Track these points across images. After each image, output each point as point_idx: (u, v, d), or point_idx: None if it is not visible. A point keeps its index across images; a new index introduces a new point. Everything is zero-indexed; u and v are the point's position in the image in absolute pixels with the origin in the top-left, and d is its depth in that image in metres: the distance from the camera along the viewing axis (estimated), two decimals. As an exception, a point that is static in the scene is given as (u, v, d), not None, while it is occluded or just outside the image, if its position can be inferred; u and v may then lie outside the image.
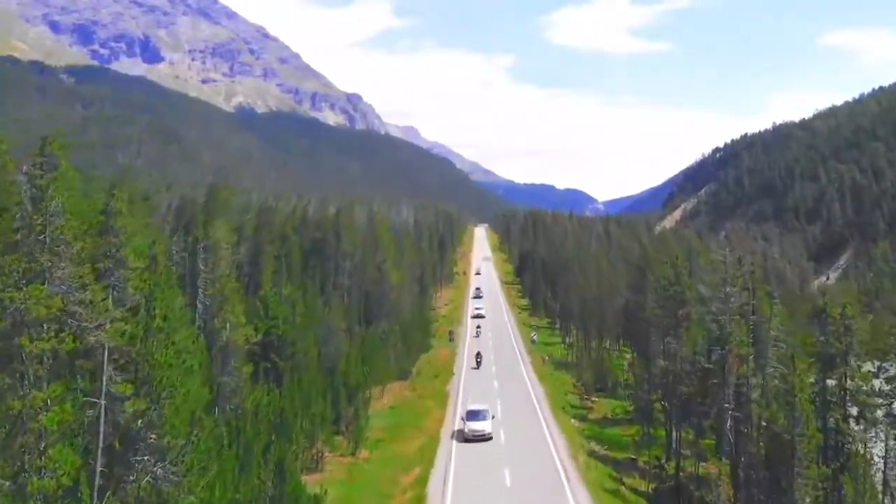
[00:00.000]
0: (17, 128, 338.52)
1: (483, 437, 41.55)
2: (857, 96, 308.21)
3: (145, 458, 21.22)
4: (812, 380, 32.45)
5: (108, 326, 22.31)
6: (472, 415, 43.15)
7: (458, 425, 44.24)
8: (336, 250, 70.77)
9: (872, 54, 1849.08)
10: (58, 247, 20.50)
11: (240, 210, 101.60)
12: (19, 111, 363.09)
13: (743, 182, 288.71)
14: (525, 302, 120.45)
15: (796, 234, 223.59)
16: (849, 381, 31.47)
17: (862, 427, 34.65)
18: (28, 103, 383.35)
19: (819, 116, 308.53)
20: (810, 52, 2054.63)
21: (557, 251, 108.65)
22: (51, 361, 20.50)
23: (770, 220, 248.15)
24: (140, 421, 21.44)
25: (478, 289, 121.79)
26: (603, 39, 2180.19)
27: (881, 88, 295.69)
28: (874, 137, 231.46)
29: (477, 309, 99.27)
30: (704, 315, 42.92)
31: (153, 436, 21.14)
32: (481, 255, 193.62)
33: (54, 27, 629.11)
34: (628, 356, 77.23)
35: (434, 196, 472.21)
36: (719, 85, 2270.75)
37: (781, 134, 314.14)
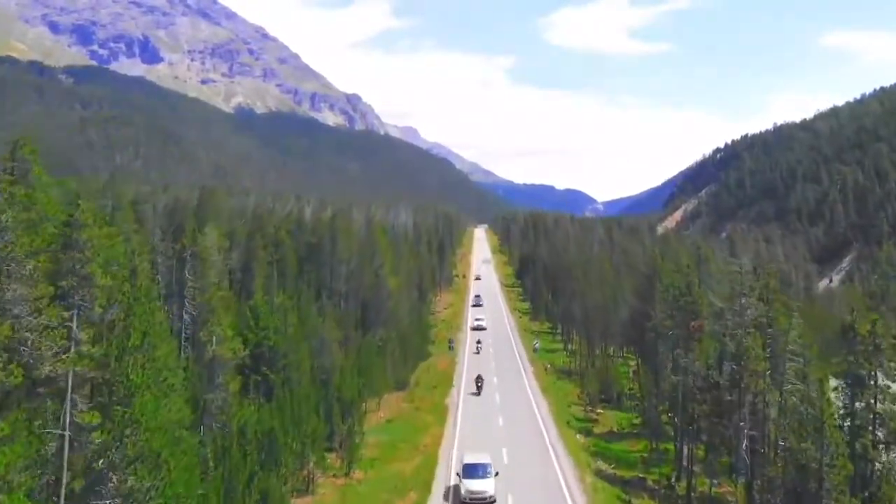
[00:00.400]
0: (14, 128, 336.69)
1: (484, 501, 33.20)
2: (858, 97, 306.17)
3: (107, 502, 18.89)
4: (839, 401, 30.15)
5: (69, 354, 20.05)
6: (471, 470, 34.30)
7: (452, 480, 35.88)
8: (332, 256, 68.44)
9: (872, 55, 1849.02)
10: (8, 266, 18.18)
11: (235, 213, 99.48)
12: (17, 112, 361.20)
13: (744, 183, 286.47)
14: (526, 306, 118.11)
15: (798, 236, 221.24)
16: (878, 405, 29.13)
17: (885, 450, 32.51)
18: (26, 104, 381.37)
19: (820, 117, 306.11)
20: (810, 52, 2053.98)
21: (559, 255, 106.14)
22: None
23: (772, 221, 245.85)
24: (102, 460, 19.10)
25: (477, 296, 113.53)
26: (602, 40, 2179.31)
27: (883, 89, 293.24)
28: (877, 138, 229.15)
29: (477, 320, 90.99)
30: (718, 328, 40.65)
31: (114, 478, 18.79)
32: (481, 257, 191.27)
33: (53, 27, 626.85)
34: (632, 363, 74.98)
35: (433, 196, 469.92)
36: (719, 86, 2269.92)
37: (783, 135, 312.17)
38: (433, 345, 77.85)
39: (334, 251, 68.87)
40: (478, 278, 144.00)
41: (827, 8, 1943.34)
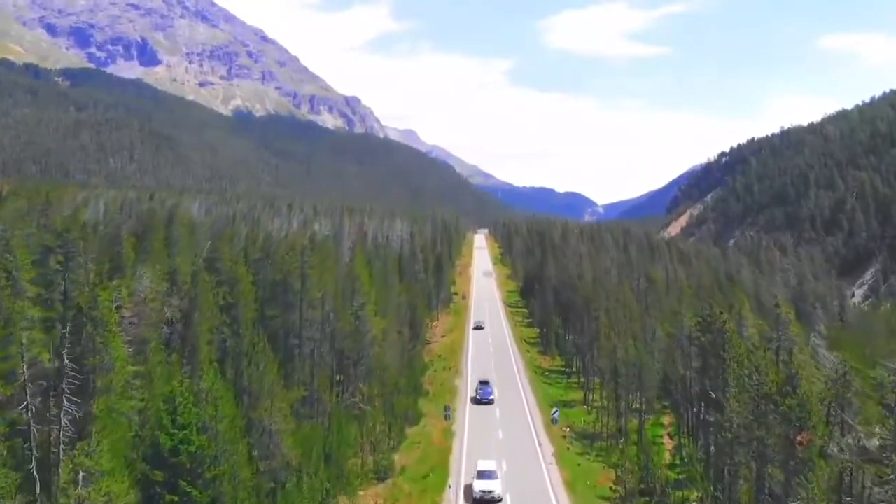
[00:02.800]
0: (6, 131, 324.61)
1: None
2: (867, 99, 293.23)
3: None
4: None
5: None
6: None
7: None
8: (301, 297, 54.56)
9: (870, 58, 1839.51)
10: None
11: (204, 232, 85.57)
12: (10, 114, 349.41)
13: (752, 188, 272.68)
14: (532, 333, 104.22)
15: (814, 246, 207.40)
16: None
17: None
18: (19, 106, 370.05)
19: (829, 120, 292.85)
20: (808, 55, 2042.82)
21: (570, 278, 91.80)
22: None
23: (782, 229, 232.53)
24: None
25: (485, 385, 63.75)
26: (601, 43, 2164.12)
27: (893, 91, 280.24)
28: (892, 143, 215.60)
29: (483, 482, 40.93)
30: (835, 448, 26.99)
31: None
32: (482, 269, 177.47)
33: (51, 30, 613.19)
34: (666, 421, 61.24)
35: (432, 200, 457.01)
36: (717, 88, 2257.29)
37: (791, 138, 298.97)
38: (426, 398, 63.97)
39: (304, 290, 54.99)
40: (479, 327, 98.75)
41: (824, 11, 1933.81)
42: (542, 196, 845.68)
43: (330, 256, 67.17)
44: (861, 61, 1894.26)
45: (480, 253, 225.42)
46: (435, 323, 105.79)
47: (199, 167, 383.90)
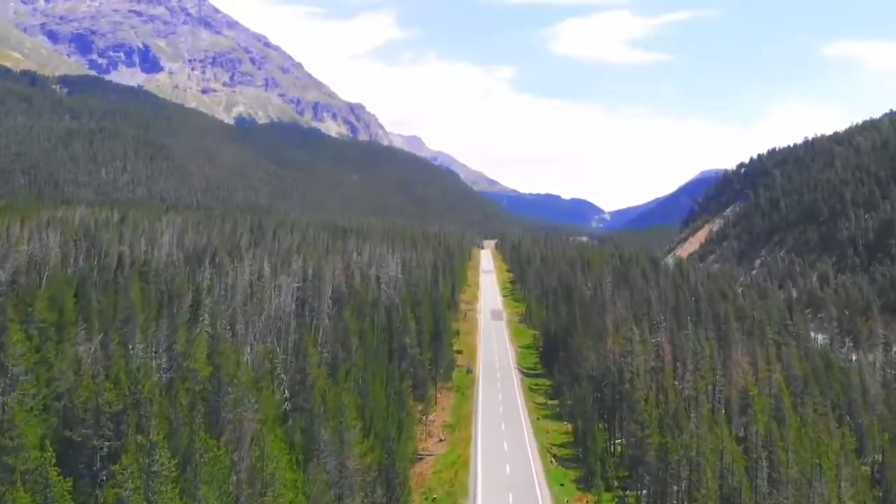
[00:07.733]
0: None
1: None
2: (895, 108, 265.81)
3: None
4: None
5: None
6: None
7: None
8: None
9: (876, 65, 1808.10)
10: None
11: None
12: (2, 123, 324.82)
13: (778, 204, 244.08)
14: (561, 430, 75.90)
15: (858, 274, 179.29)
16: None
17: None
18: (13, 115, 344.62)
19: (858, 130, 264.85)
20: (813, 62, 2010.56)
21: (622, 378, 63.44)
22: None
23: (816, 251, 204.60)
24: None
25: None
26: (604, 50, 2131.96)
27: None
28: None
29: None
30: None
31: None
32: (490, 308, 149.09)
33: (52, 37, 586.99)
34: None
35: (437, 208, 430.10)
36: (720, 95, 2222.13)
37: (817, 149, 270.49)
38: None
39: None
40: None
41: (829, 18, 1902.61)
42: (548, 203, 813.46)
43: (249, 407, 38.83)
44: (864, 68, 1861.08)
45: (487, 278, 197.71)
46: (431, 416, 77.84)
47: (196, 178, 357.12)
